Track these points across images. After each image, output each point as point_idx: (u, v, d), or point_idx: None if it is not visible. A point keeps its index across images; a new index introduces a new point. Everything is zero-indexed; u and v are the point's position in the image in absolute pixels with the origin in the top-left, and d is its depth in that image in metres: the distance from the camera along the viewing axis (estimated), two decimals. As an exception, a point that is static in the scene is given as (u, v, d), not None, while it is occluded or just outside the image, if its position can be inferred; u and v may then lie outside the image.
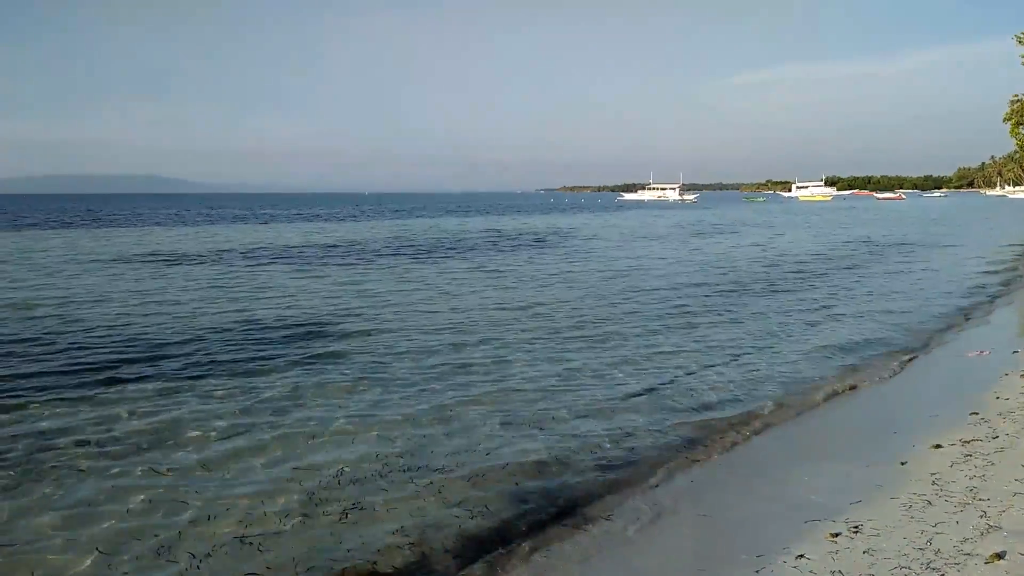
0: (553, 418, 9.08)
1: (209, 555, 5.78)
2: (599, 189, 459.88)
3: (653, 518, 6.43)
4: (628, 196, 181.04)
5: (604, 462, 7.75)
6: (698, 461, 7.84)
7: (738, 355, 12.41)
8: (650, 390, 10.33)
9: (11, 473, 7.31)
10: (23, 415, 9.06)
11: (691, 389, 10.38)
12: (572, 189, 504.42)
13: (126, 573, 5.55)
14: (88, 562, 5.70)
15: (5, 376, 10.81)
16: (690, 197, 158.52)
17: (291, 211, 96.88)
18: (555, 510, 6.63)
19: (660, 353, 12.51)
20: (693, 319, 15.77)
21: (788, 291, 20.20)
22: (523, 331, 14.38)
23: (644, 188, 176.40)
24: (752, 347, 13.01)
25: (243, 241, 40.57)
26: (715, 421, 9.09)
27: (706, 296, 19.08)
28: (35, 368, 11.28)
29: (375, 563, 5.64)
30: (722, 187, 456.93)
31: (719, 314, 16.48)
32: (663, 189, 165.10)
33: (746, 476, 7.34)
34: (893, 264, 28.04)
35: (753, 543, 5.76)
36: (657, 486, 7.18)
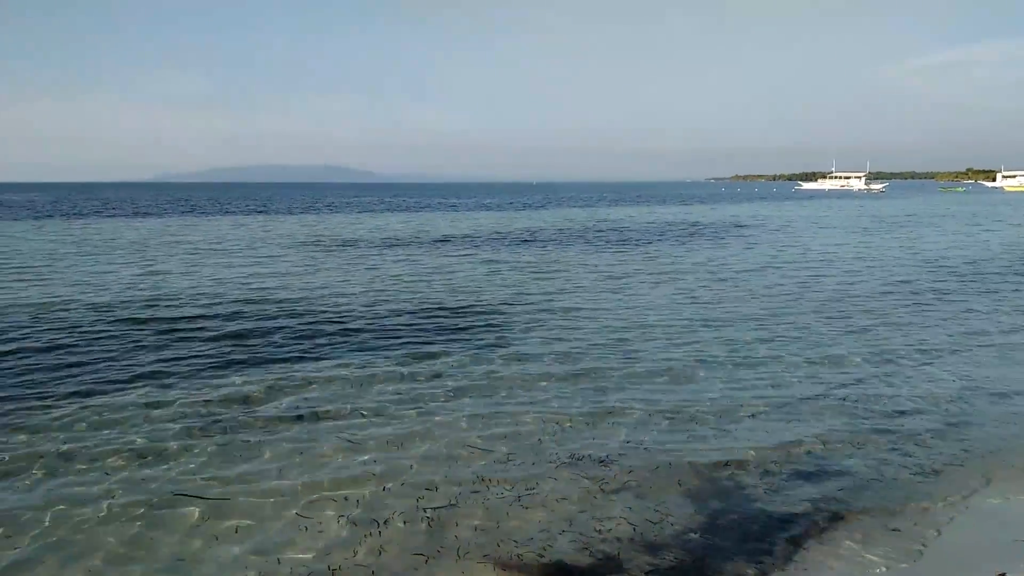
0: (751, 416, 8.86)
1: (387, 522, 6.18)
2: (774, 178, 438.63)
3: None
4: (807, 185, 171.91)
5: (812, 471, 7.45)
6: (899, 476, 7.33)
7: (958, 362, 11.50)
8: (843, 390, 9.80)
9: (221, 432, 8.20)
10: (229, 383, 10.10)
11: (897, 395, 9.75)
12: (744, 178, 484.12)
13: (320, 531, 6.04)
14: (283, 520, 6.26)
15: (213, 351, 12.09)
16: (877, 186, 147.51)
17: (474, 199, 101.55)
18: (739, 517, 6.36)
19: (876, 357, 11.83)
20: (915, 318, 14.77)
21: None
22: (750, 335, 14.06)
23: (825, 177, 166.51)
24: (974, 351, 12.01)
25: (444, 229, 42.48)
26: (925, 431, 8.46)
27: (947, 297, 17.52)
28: (239, 343, 12.56)
29: (541, 554, 5.73)
30: (913, 176, 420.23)
31: (927, 313, 15.28)
32: (846, 178, 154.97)
33: (954, 490, 6.79)
34: None
35: (954, 557, 5.35)
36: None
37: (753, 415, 8.86)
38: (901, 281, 20.01)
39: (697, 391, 9.81)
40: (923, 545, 5.75)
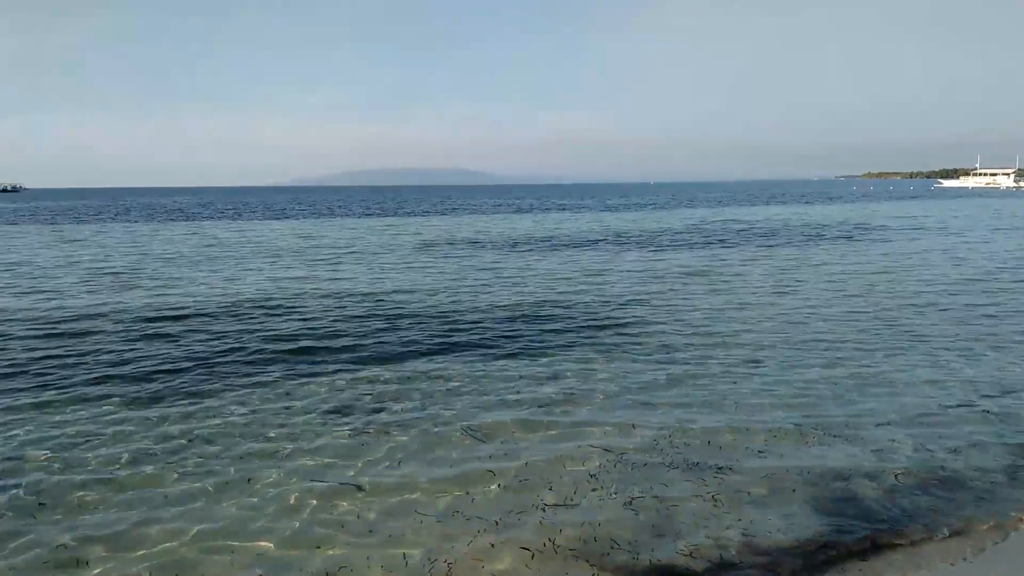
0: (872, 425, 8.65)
1: (502, 517, 6.40)
2: (911, 175, 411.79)
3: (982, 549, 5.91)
4: (947, 183, 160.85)
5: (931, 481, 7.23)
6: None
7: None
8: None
9: (351, 426, 8.72)
10: (361, 378, 10.72)
11: None
12: (878, 175, 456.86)
13: (439, 522, 6.35)
14: (407, 514, 6.61)
15: (350, 348, 12.87)
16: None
17: (595, 199, 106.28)
18: (863, 528, 6.22)
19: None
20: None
21: None
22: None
23: (968, 174, 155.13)
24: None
25: (573, 231, 42.94)
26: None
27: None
28: (373, 340, 13.32)
29: (637, 555, 5.80)
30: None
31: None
32: (993, 175, 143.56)
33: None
34: None
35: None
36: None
37: (883, 424, 8.57)
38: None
39: (838, 405, 9.48)
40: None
